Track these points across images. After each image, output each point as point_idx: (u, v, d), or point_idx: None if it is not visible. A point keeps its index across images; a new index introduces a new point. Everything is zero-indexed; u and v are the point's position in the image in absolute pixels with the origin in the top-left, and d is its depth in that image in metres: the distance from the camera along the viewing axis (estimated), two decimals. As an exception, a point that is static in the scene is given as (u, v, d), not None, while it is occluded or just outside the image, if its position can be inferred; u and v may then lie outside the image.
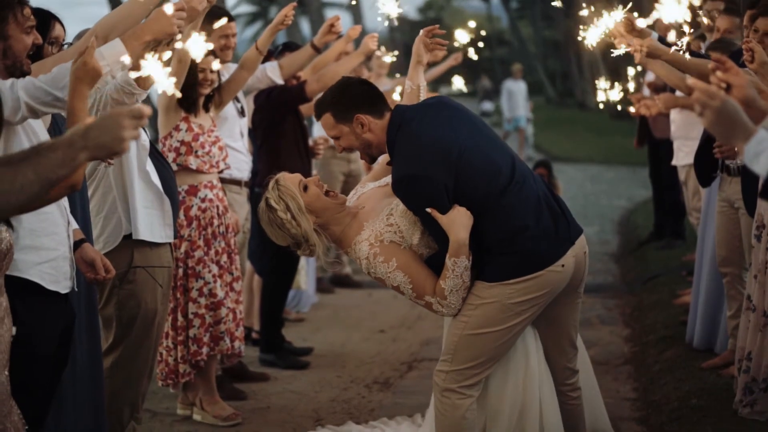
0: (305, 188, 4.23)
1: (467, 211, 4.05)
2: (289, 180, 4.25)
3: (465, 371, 4.20)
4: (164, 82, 2.97)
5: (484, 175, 4.10)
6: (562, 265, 4.13)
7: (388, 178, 4.34)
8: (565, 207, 4.30)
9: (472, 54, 7.93)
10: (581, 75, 39.76)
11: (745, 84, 2.95)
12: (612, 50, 5.25)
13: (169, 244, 5.02)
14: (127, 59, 3.77)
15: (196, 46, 3.18)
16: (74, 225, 4.13)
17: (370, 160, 4.40)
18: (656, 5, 2.96)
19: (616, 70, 35.95)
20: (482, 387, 4.29)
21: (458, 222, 4.02)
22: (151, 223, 4.87)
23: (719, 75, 2.97)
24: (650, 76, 9.72)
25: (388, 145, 4.20)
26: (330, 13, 30.85)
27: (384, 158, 4.46)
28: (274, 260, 6.81)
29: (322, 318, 8.32)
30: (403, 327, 8.02)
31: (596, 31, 5.90)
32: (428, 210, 4.04)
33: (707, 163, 5.96)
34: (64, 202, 3.93)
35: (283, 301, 7.05)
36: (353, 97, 4.22)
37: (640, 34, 5.61)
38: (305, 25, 29.23)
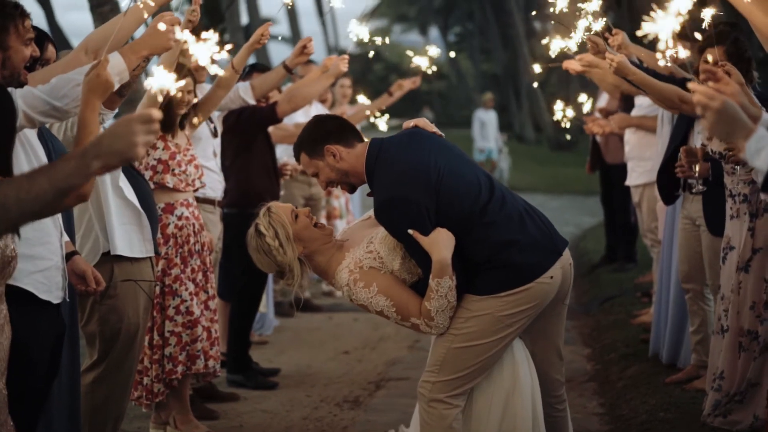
0: (296, 218, 4.31)
1: (448, 231, 4.12)
2: (281, 208, 4.34)
3: (452, 382, 4.24)
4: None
5: (465, 195, 4.19)
6: (551, 277, 4.22)
7: (372, 211, 4.42)
8: (547, 220, 4.41)
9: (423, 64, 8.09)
10: (519, 108, 40.36)
11: (735, 92, 3.09)
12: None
13: (150, 259, 5.04)
14: (125, 73, 3.82)
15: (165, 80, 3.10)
16: (66, 237, 4.14)
17: (351, 189, 4.45)
18: (648, 17, 3.08)
19: (554, 101, 36.53)
20: (468, 399, 4.33)
21: (440, 242, 4.08)
22: (130, 238, 4.88)
23: (711, 85, 3.11)
24: (602, 102, 9.95)
25: (368, 175, 4.27)
26: (272, 46, 30.95)
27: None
28: (243, 280, 6.85)
29: (285, 340, 8.33)
30: (367, 348, 8.08)
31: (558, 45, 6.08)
32: (410, 232, 4.09)
33: (670, 181, 6.12)
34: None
35: (252, 321, 7.07)
36: (321, 131, 4.32)
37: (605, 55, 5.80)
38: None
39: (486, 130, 21.29)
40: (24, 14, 3.73)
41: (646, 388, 6.29)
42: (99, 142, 2.59)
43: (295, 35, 29.19)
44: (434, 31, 49.94)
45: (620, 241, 10.63)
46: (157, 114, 2.61)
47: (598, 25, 5.21)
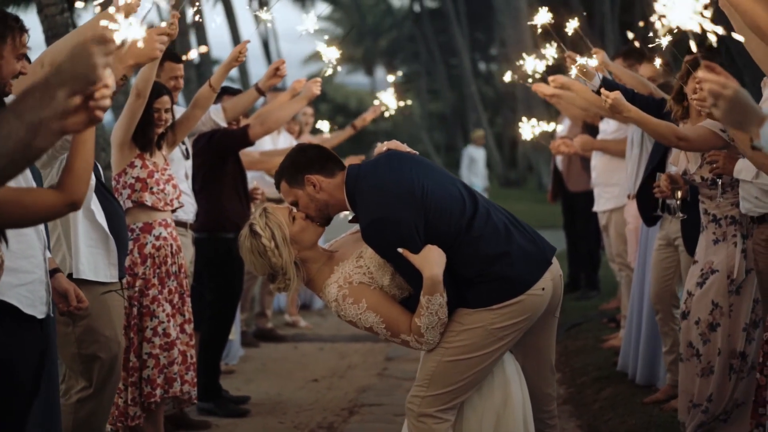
0: (293, 220, 4.21)
1: (439, 248, 4.05)
2: (278, 209, 4.24)
3: (442, 396, 4.17)
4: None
5: (450, 210, 4.14)
6: (542, 288, 4.19)
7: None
8: (532, 229, 4.37)
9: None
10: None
11: (737, 88, 3.07)
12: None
13: (119, 282, 4.91)
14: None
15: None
16: (49, 253, 4.02)
17: (325, 221, 4.32)
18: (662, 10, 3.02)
19: (500, 145, 36.88)
20: (458, 414, 4.26)
21: (431, 259, 4.01)
22: (95, 262, 4.76)
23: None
24: (562, 129, 10.00)
25: (348, 198, 4.19)
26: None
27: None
28: (214, 307, 6.73)
29: (252, 369, 8.20)
30: (335, 376, 7.98)
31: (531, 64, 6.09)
32: (400, 250, 4.01)
33: (650, 202, 6.07)
34: (41, 225, 3.83)
35: (222, 348, 6.94)
36: (303, 160, 4.24)
37: (586, 74, 5.80)
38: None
39: (475, 167, 20.78)
40: (23, 29, 3.68)
41: (624, 408, 6.26)
42: (59, 69, 2.50)
43: (243, 75, 29.22)
44: (380, 72, 50.14)
45: (583, 269, 10.65)
46: (111, 34, 2.55)
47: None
